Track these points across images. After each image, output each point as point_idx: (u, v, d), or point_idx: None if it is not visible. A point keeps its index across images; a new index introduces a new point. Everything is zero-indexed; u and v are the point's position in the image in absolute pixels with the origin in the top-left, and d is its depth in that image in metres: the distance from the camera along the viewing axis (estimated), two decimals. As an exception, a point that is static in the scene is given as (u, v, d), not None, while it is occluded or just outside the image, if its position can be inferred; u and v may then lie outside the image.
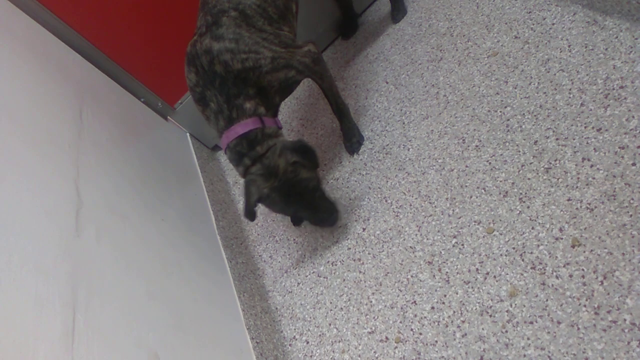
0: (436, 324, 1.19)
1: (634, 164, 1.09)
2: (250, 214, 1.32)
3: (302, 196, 1.31)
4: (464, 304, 1.18)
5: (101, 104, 1.53)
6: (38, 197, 1.01)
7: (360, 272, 1.41)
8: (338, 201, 1.57)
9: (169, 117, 1.95)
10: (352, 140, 1.65)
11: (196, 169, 1.88)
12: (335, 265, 1.47)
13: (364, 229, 1.47)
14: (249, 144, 1.27)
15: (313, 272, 1.51)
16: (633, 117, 1.15)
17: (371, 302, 1.34)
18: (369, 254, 1.42)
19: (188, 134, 2.03)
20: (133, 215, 1.29)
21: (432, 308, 1.22)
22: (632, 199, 1.06)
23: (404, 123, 1.58)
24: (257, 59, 1.25)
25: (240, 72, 1.24)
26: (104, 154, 1.36)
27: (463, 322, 1.16)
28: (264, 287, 1.60)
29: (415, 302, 1.26)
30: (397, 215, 1.42)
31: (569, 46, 1.35)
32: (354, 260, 1.44)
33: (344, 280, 1.43)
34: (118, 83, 1.73)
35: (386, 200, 1.48)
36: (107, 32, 1.65)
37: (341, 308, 1.38)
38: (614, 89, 1.21)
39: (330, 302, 1.41)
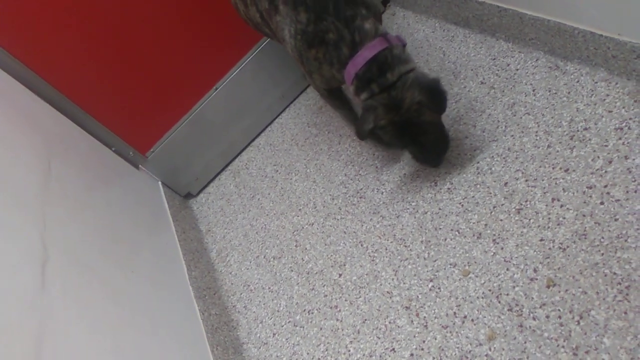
0: (416, 371, 1.17)
1: (602, 203, 1.11)
2: (362, 135, 1.28)
3: (417, 135, 1.27)
4: (443, 350, 1.16)
5: (71, 154, 1.50)
6: (2, 251, 0.97)
7: (337, 319, 1.38)
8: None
9: (140, 165, 1.92)
10: None
11: (168, 217, 1.84)
12: (312, 313, 1.44)
13: (340, 275, 1.45)
14: (379, 69, 1.19)
15: (289, 322, 1.47)
16: (598, 157, 1.18)
17: (349, 351, 1.30)
18: (345, 300, 1.39)
19: (160, 182, 2.00)
20: (101, 269, 1.25)
21: (411, 355, 1.19)
22: (603, 238, 1.07)
23: (377, 167, 1.59)
24: None
25: None
26: (73, 205, 1.33)
27: (443, 368, 1.13)
28: (238, 340, 1.55)
29: (394, 349, 1.23)
30: (373, 260, 1.41)
31: (534, 90, 1.39)
32: (331, 307, 1.41)
33: (320, 329, 1.39)
34: (88, 132, 1.71)
35: (362, 245, 1.46)
36: (76, 80, 1.63)
37: (319, 359, 1.34)
38: (578, 130, 1.25)
39: (307, 353, 1.37)
